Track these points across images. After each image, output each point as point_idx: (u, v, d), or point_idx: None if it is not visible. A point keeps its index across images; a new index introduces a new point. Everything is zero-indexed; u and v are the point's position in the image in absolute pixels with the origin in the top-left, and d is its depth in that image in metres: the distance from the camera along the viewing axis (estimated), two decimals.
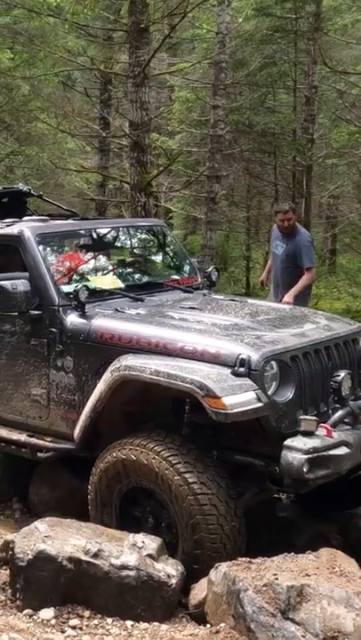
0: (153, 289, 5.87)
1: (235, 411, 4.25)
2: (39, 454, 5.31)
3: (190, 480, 4.36)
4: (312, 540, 4.89)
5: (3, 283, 5.11)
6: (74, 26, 11.30)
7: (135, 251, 6.50)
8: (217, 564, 3.97)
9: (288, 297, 8.18)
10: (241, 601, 3.62)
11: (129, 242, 6.45)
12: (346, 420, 4.66)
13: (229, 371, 4.43)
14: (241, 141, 14.29)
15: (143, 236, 6.62)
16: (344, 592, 3.48)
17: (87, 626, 4.00)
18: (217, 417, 4.25)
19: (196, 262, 6.63)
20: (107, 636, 3.90)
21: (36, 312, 5.20)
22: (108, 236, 6.20)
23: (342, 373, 4.72)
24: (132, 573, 4.11)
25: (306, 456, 4.19)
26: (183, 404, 4.57)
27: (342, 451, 4.40)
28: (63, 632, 3.92)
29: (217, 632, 3.73)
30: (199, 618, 4.08)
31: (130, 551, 4.22)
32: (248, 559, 3.93)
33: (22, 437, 5.35)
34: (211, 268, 6.40)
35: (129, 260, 6.37)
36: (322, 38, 13.86)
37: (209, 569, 4.03)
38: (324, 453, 4.30)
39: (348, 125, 13.83)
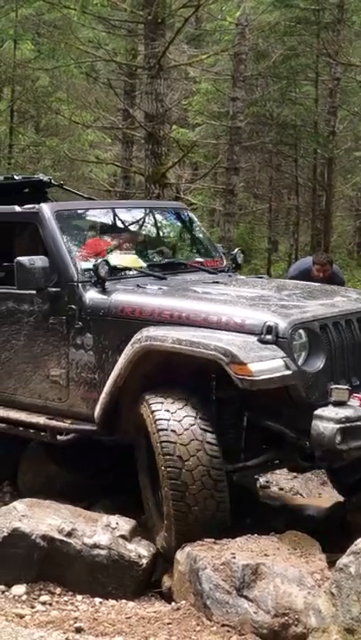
0: (176, 269, 5.70)
1: (261, 377, 4.05)
2: (59, 437, 5.15)
3: (164, 438, 4.17)
4: (290, 525, 4.93)
5: (20, 259, 5.04)
6: (92, 17, 11.42)
7: (157, 232, 6.35)
8: (183, 544, 4.03)
9: None
10: (200, 579, 3.70)
11: (150, 223, 6.30)
12: None
13: (256, 339, 4.25)
14: (262, 133, 14.26)
15: (165, 218, 6.45)
16: (298, 571, 3.54)
17: (57, 602, 4.09)
18: (243, 384, 4.05)
19: (221, 248, 6.45)
20: (74, 611, 3.98)
21: (55, 289, 5.09)
22: (129, 216, 6.12)
23: None
24: (103, 552, 4.21)
25: (338, 425, 4.02)
26: (208, 380, 4.39)
27: None
28: (33, 607, 4.00)
29: (178, 609, 3.81)
30: (169, 597, 4.16)
31: (103, 531, 4.31)
32: (213, 540, 3.99)
33: (41, 420, 5.21)
34: (236, 250, 6.14)
35: (151, 240, 6.24)
36: (346, 29, 13.76)
37: (185, 537, 4.05)
38: (358, 423, 4.10)
39: None
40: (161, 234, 6.33)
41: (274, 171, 15.69)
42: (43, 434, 5.25)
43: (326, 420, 4.03)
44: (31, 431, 5.31)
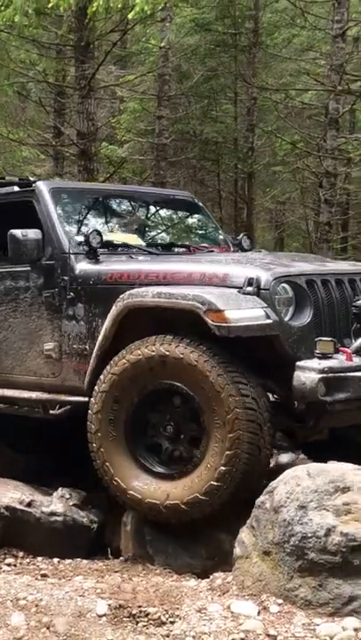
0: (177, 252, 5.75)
1: (239, 324, 4.04)
2: (51, 412, 5.21)
3: (243, 392, 4.07)
4: None
5: (13, 231, 5.07)
6: (25, 40, 12.04)
7: (161, 217, 6.44)
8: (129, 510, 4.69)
9: None
10: (143, 532, 4.45)
11: (154, 208, 6.38)
12: None
13: (237, 291, 4.26)
14: (186, 150, 15.11)
15: (170, 204, 6.53)
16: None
17: (20, 563, 4.72)
18: (220, 331, 4.04)
19: (229, 237, 6.39)
20: (37, 570, 4.62)
21: (49, 262, 5.16)
22: (130, 200, 6.20)
23: None
24: (59, 519, 4.87)
25: (320, 375, 4.00)
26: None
27: None
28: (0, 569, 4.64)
29: (126, 560, 4.51)
30: (118, 555, 4.83)
31: (58, 501, 4.98)
32: None
33: (34, 395, 5.28)
34: (241, 236, 6.14)
35: (153, 224, 6.34)
36: (261, 52, 14.76)
37: (236, 475, 4.03)
38: (342, 374, 4.08)
39: (292, 135, 14.73)
40: (164, 219, 6.42)
41: (198, 185, 16.56)
42: (36, 409, 5.37)
43: (308, 371, 4.02)
44: (25, 408, 5.46)
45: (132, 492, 4.41)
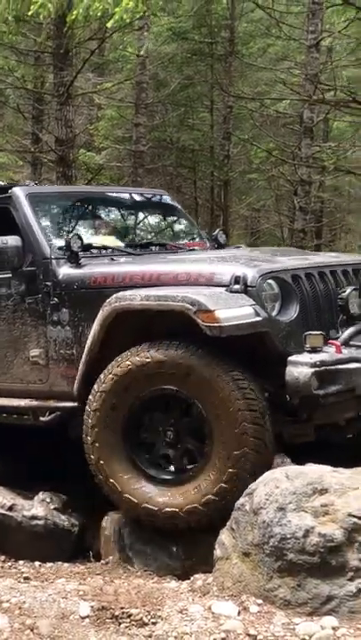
0: (156, 250, 5.77)
1: (229, 324, 4.04)
2: (41, 418, 5.16)
3: (252, 407, 4.09)
4: None
5: None
6: (4, 46, 12.09)
7: (137, 216, 6.42)
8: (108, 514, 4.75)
9: None
10: (122, 535, 4.49)
11: (130, 207, 6.36)
12: (359, 344, 4.43)
13: (224, 289, 4.26)
14: (163, 157, 15.23)
15: (146, 203, 6.52)
16: None
17: (2, 567, 4.76)
18: (211, 332, 4.04)
19: (205, 233, 6.51)
20: (19, 573, 4.66)
21: (30, 269, 5.13)
22: (107, 201, 6.20)
23: (348, 289, 4.57)
24: (41, 522, 4.93)
25: (313, 369, 4.02)
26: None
27: (354, 365, 4.21)
28: None
29: (107, 563, 4.58)
30: (99, 558, 4.89)
31: (39, 505, 5.03)
32: None
33: (23, 402, 5.24)
34: (217, 231, 6.21)
35: (130, 223, 6.32)
36: (237, 61, 14.93)
37: (236, 493, 3.95)
38: (333, 367, 4.13)
39: (267, 143, 14.90)
40: (141, 218, 6.40)
41: (175, 192, 16.65)
42: (25, 417, 5.31)
43: (300, 365, 4.04)
44: (14, 416, 5.39)
45: (128, 495, 4.38)
